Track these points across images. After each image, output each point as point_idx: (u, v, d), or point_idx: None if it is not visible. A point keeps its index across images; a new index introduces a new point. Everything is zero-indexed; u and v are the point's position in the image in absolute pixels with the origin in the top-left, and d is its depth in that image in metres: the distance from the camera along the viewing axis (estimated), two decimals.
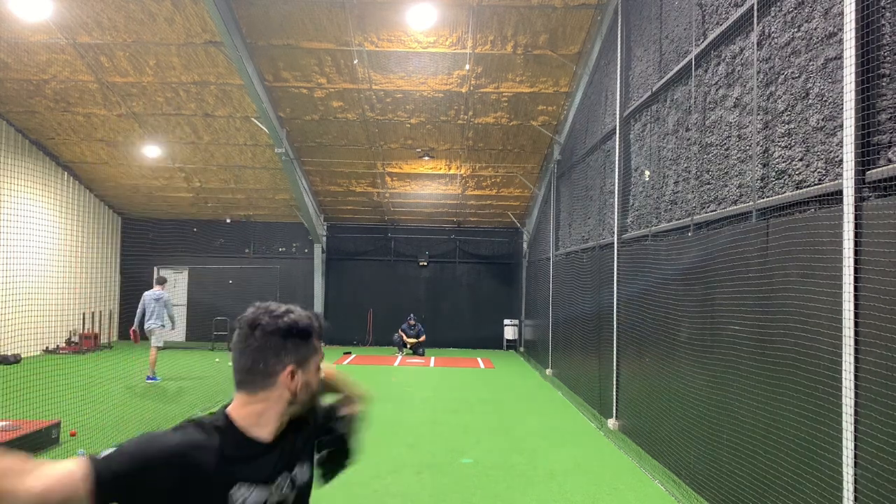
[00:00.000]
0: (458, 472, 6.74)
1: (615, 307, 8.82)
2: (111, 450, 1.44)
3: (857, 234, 3.79)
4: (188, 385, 11.59)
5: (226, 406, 1.62)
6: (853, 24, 3.88)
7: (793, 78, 4.80)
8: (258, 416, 1.59)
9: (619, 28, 9.30)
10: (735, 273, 5.37)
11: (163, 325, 11.98)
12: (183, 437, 1.49)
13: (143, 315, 11.96)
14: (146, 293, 12.28)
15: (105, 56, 11.93)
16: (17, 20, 10.83)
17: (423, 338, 17.89)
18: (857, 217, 3.81)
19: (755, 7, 5.31)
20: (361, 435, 2.01)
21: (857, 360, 3.75)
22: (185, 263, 19.20)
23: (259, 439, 1.58)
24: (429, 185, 17.26)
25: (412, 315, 18.18)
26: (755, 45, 5.36)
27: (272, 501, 1.58)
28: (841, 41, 4.10)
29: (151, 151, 15.17)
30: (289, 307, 1.64)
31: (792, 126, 4.79)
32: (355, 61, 11.85)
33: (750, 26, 5.47)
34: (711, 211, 6.10)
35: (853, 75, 3.86)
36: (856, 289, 3.78)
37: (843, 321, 3.84)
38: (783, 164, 4.89)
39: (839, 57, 4.16)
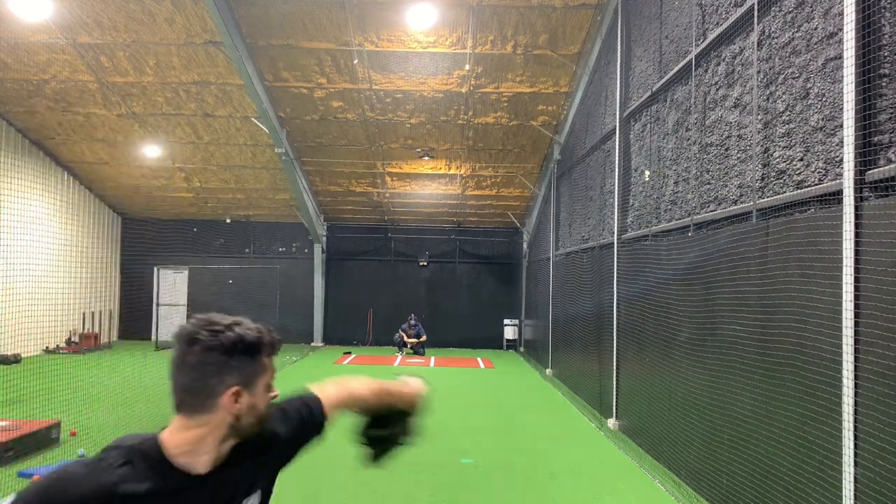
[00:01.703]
0: (458, 472, 6.74)
1: (615, 307, 8.82)
2: (11, 498, 1.28)
3: (857, 234, 3.79)
4: None
5: (161, 429, 1.42)
6: (853, 24, 3.88)
7: (793, 78, 4.80)
8: (195, 444, 1.39)
9: (619, 28, 9.30)
10: (735, 273, 5.37)
11: None
12: (100, 476, 1.29)
13: None
14: None
15: (105, 56, 11.93)
16: (17, 20, 10.83)
17: (423, 338, 17.88)
18: (857, 217, 3.81)
19: (755, 7, 5.31)
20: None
21: (857, 360, 3.75)
22: (185, 263, 19.20)
23: (190, 470, 1.37)
24: (429, 185, 17.26)
25: (413, 315, 18.18)
26: (755, 45, 5.36)
27: None
28: (841, 41, 4.10)
29: (151, 151, 15.17)
30: (235, 319, 1.43)
31: (792, 126, 4.79)
32: (355, 61, 11.85)
33: (750, 26, 5.47)
34: (711, 211, 6.10)
35: (853, 75, 3.86)
36: (856, 289, 3.78)
37: (843, 321, 3.84)
38: (783, 164, 4.89)
39: (839, 57, 4.16)
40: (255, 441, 1.51)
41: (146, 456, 1.35)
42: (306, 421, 1.74)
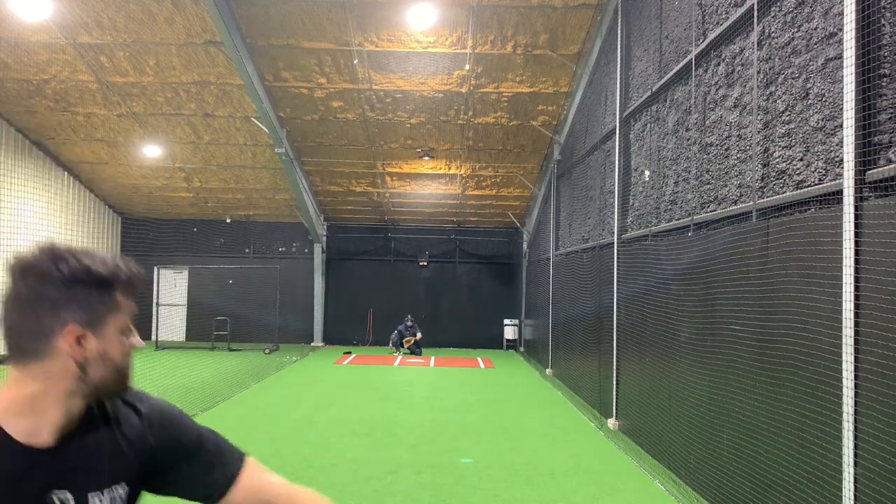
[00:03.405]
0: (458, 472, 6.74)
1: (615, 307, 8.82)
2: None
3: (857, 234, 3.79)
4: (191, 384, 11.58)
5: None
6: (853, 24, 3.88)
7: (793, 78, 4.80)
8: (30, 403, 1.11)
9: (619, 28, 9.30)
10: (735, 273, 5.37)
11: None
12: None
13: None
14: None
15: (105, 56, 11.93)
16: (17, 20, 10.83)
17: (418, 335, 17.91)
18: (857, 217, 3.80)
19: (755, 7, 5.31)
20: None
21: (857, 360, 3.75)
22: (185, 263, 19.20)
23: (30, 442, 1.11)
24: (429, 185, 17.26)
25: (410, 316, 18.22)
26: (755, 45, 5.36)
27: None
28: (841, 41, 4.10)
29: (151, 151, 15.17)
30: (84, 249, 1.16)
31: (792, 126, 4.79)
32: (355, 61, 11.85)
33: (750, 26, 5.47)
34: (711, 211, 6.10)
35: (853, 75, 3.86)
36: (856, 289, 3.77)
37: (843, 321, 3.84)
38: (783, 164, 4.89)
39: (839, 57, 4.16)
40: (115, 406, 1.24)
41: None
42: (202, 462, 1.33)
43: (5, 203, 13.95)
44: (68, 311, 1.11)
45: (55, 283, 1.10)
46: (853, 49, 3.87)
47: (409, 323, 17.99)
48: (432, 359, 16.80)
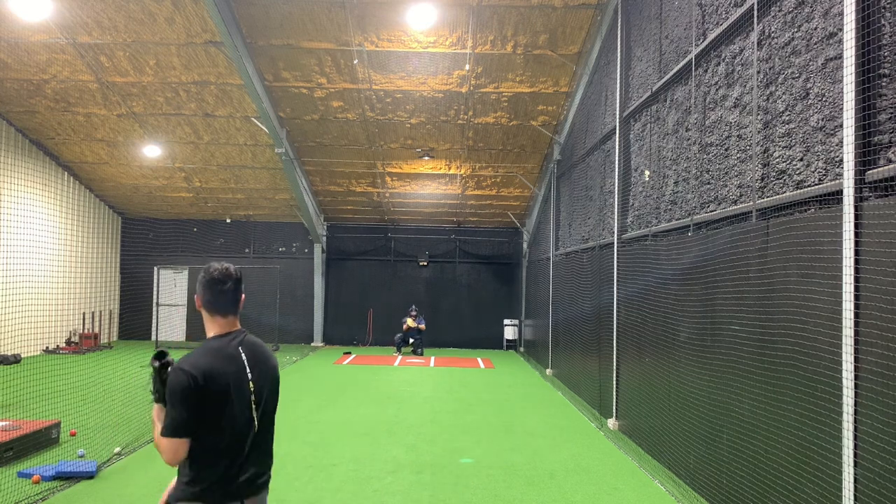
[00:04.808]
0: (458, 472, 6.74)
1: (615, 307, 8.82)
2: None
3: (857, 234, 3.79)
4: None
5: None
6: (853, 24, 3.88)
7: (793, 78, 4.80)
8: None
9: (619, 28, 9.30)
10: (735, 273, 5.38)
11: None
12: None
13: None
14: None
15: (105, 56, 11.93)
16: (17, 20, 10.84)
17: (422, 325, 17.84)
18: (857, 217, 3.80)
19: (755, 7, 5.31)
20: None
21: (857, 360, 3.75)
22: (185, 263, 19.20)
23: None
24: (429, 185, 17.26)
25: (414, 306, 18.20)
26: (755, 45, 5.36)
27: None
28: (841, 41, 4.10)
29: (151, 151, 15.18)
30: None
31: (792, 126, 4.79)
32: (355, 61, 11.85)
33: (750, 26, 5.47)
34: (711, 211, 6.10)
35: (853, 75, 3.86)
36: (856, 289, 3.78)
37: (843, 321, 3.84)
38: (783, 164, 4.89)
39: (839, 57, 4.17)
40: None
41: None
42: None
43: (5, 203, 13.95)
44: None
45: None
46: (853, 49, 3.87)
47: (414, 312, 17.91)
48: (432, 359, 16.80)
